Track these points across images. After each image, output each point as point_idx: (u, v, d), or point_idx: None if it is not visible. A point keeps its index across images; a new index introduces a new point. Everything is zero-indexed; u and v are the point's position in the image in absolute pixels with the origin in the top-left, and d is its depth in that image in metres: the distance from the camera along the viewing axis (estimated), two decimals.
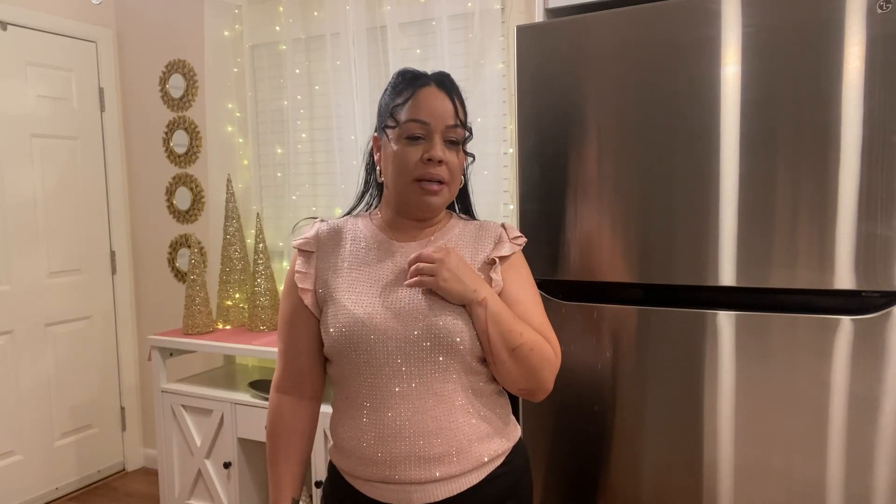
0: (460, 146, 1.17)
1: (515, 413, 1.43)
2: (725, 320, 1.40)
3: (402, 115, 1.14)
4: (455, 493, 1.11)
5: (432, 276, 1.09)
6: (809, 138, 1.31)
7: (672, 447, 1.47)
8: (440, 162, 1.13)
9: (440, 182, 1.14)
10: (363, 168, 1.30)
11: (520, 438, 1.24)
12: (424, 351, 1.09)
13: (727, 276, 1.39)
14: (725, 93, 1.37)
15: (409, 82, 1.16)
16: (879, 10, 1.24)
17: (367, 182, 1.30)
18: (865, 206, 1.28)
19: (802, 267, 1.33)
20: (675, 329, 1.45)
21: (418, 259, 1.11)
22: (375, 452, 1.10)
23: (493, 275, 1.17)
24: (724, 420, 1.42)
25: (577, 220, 1.54)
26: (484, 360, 1.14)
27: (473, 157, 1.26)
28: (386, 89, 1.20)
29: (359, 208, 1.30)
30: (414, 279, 1.11)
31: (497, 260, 1.19)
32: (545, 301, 1.54)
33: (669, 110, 1.42)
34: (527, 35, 1.56)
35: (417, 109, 1.13)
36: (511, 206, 2.39)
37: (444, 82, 1.17)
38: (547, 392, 1.17)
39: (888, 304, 1.28)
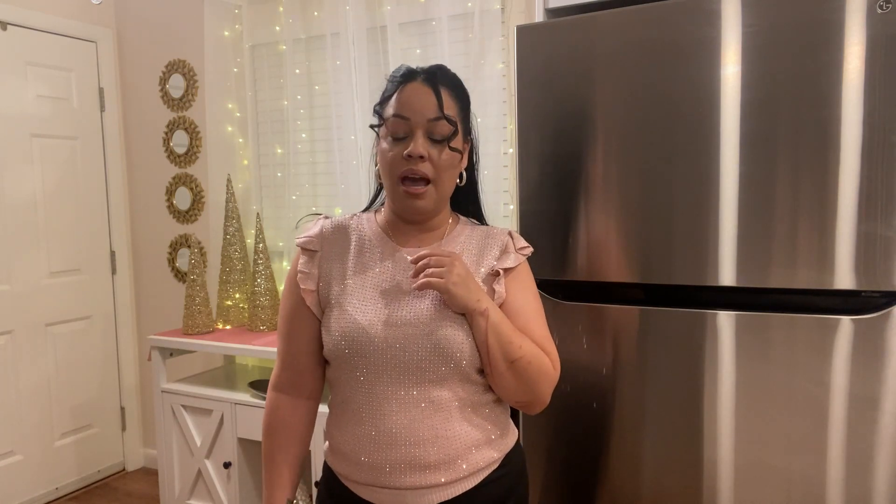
0: (446, 143, 1.12)
1: (515, 414, 1.42)
2: (725, 320, 1.40)
3: (386, 112, 1.13)
4: (450, 498, 1.10)
5: (441, 278, 1.06)
6: (809, 138, 1.31)
7: (672, 447, 1.47)
8: (421, 158, 1.09)
9: (426, 182, 1.11)
10: (371, 169, 1.27)
11: (517, 442, 1.23)
12: (424, 361, 1.08)
13: (727, 276, 1.39)
14: (725, 93, 1.37)
15: (399, 79, 1.14)
16: (879, 10, 1.24)
17: (378, 184, 1.28)
18: (865, 206, 1.28)
19: (802, 267, 1.33)
20: (675, 329, 1.45)
21: (427, 264, 1.08)
22: (371, 458, 1.09)
23: (496, 286, 1.15)
24: (724, 420, 1.42)
25: (578, 220, 1.54)
26: (482, 371, 1.13)
27: (473, 147, 1.22)
28: (384, 88, 1.19)
29: (373, 209, 1.28)
30: (423, 280, 1.06)
31: (501, 272, 1.16)
32: (545, 301, 1.55)
33: (669, 110, 1.42)
34: (527, 35, 1.56)
35: (399, 105, 1.11)
36: (511, 206, 2.39)
37: (433, 75, 1.13)
38: (543, 405, 1.15)
39: (888, 304, 1.28)
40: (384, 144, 1.14)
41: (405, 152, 1.10)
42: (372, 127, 1.17)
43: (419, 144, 1.09)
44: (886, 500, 1.31)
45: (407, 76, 1.14)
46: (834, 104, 1.29)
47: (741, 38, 1.35)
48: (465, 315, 1.09)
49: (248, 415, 2.42)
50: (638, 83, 1.45)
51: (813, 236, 1.32)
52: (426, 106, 1.11)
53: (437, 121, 1.11)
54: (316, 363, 1.21)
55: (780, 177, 1.34)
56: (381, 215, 1.24)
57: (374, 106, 1.17)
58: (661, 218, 1.45)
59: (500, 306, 1.13)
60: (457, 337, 1.08)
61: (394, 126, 1.12)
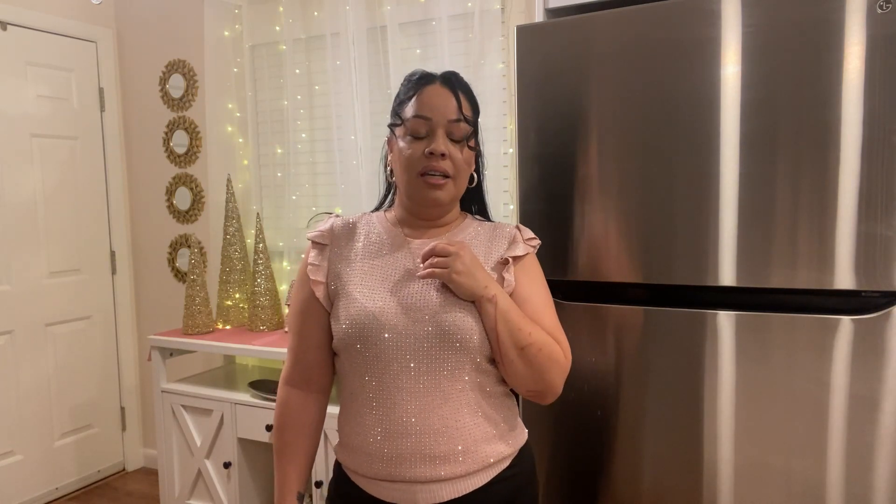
0: (464, 142, 1.17)
1: None
2: (726, 320, 1.40)
3: (406, 113, 1.17)
4: (460, 495, 1.10)
5: (445, 268, 1.09)
6: (809, 138, 1.31)
7: (672, 446, 1.47)
8: (443, 155, 1.14)
9: (445, 176, 1.15)
10: (382, 171, 1.31)
11: (526, 442, 1.23)
12: (434, 348, 1.09)
13: (727, 276, 1.39)
14: (725, 93, 1.37)
15: (416, 82, 1.19)
16: (879, 10, 1.24)
17: (388, 184, 1.30)
18: (865, 206, 1.28)
19: (802, 267, 1.33)
20: (676, 329, 1.45)
21: (432, 251, 1.12)
22: (381, 449, 1.10)
23: (505, 274, 1.17)
24: (724, 420, 1.42)
25: (578, 221, 1.54)
26: (493, 361, 1.14)
27: (479, 151, 1.26)
28: (398, 91, 1.22)
29: (382, 209, 1.32)
30: (427, 271, 1.10)
31: (510, 260, 1.19)
32: None
33: (669, 110, 1.42)
34: (527, 35, 1.56)
35: (420, 106, 1.15)
36: (511, 206, 2.40)
37: (450, 80, 1.18)
38: (556, 395, 1.16)
39: (888, 304, 1.28)
40: (402, 143, 1.17)
41: (427, 150, 1.13)
42: (390, 126, 1.21)
43: (440, 143, 1.14)
44: (886, 500, 1.31)
45: (425, 79, 1.18)
46: (834, 104, 1.29)
47: (741, 38, 1.35)
48: (475, 302, 1.11)
49: (248, 415, 2.42)
50: (638, 83, 1.45)
51: (813, 236, 1.32)
52: (447, 107, 1.15)
53: (457, 122, 1.16)
54: (326, 357, 1.23)
55: (780, 177, 1.34)
56: (392, 214, 1.26)
57: (393, 107, 1.21)
58: (661, 218, 1.45)
59: (510, 296, 1.15)
60: (465, 323, 1.09)
61: (414, 125, 1.15)
